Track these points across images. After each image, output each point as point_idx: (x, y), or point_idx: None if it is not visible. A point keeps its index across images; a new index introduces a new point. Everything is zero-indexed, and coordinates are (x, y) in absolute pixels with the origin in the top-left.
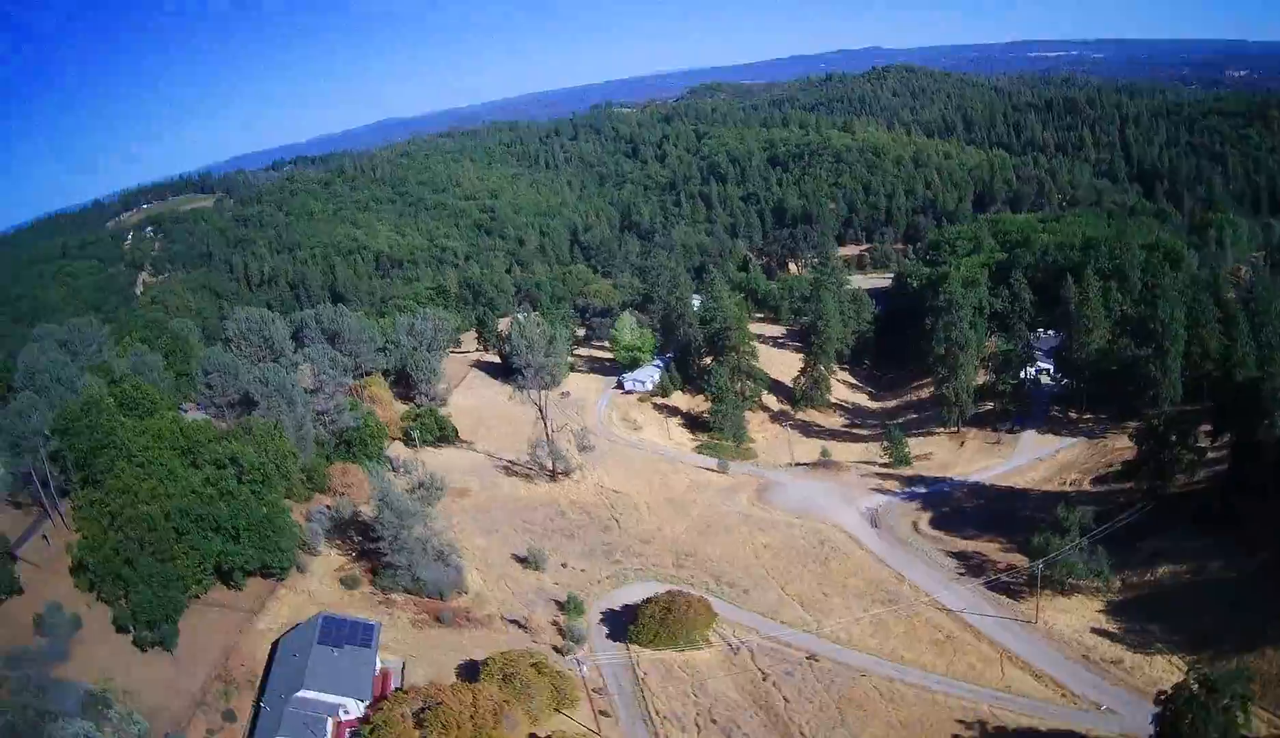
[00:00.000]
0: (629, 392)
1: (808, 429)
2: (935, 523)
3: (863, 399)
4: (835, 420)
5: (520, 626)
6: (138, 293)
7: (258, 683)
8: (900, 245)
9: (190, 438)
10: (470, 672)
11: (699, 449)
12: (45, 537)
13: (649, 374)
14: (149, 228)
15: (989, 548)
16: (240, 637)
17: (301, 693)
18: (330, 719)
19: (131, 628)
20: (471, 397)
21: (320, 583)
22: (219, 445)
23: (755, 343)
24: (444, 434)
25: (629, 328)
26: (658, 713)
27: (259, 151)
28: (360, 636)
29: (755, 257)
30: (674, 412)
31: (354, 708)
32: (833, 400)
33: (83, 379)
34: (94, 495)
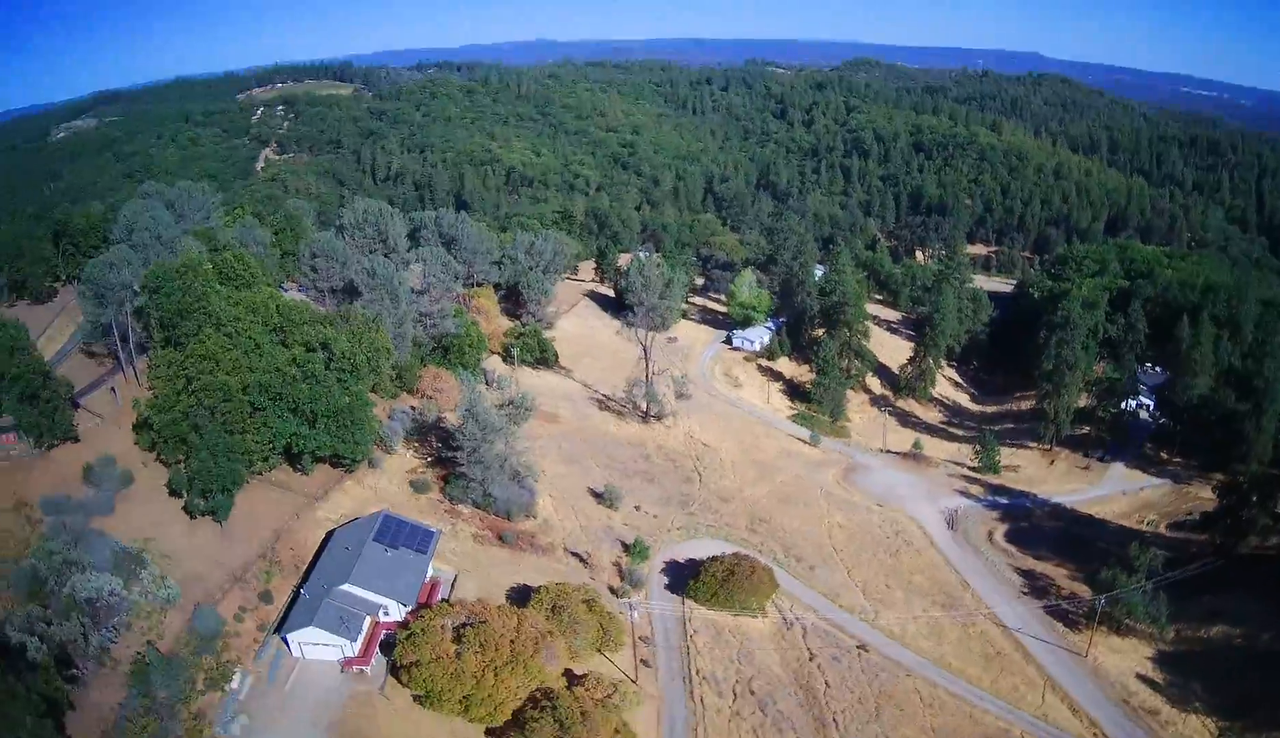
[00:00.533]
0: (736, 348)
1: (905, 418)
2: (1009, 536)
3: (964, 399)
4: (933, 415)
5: (581, 560)
6: (258, 168)
7: (303, 570)
8: (1028, 254)
9: (284, 317)
10: (521, 597)
11: (794, 418)
12: (114, 390)
13: (759, 334)
14: (280, 106)
15: (1056, 572)
16: (296, 522)
17: (345, 587)
18: (369, 618)
19: (184, 493)
20: (579, 325)
21: (390, 482)
22: (312, 328)
23: (869, 323)
24: (544, 357)
25: (748, 285)
26: (698, 673)
27: (405, 50)
28: (418, 540)
29: (884, 238)
30: (777, 376)
31: (395, 611)
32: (934, 395)
33: (183, 242)
34: (173, 356)
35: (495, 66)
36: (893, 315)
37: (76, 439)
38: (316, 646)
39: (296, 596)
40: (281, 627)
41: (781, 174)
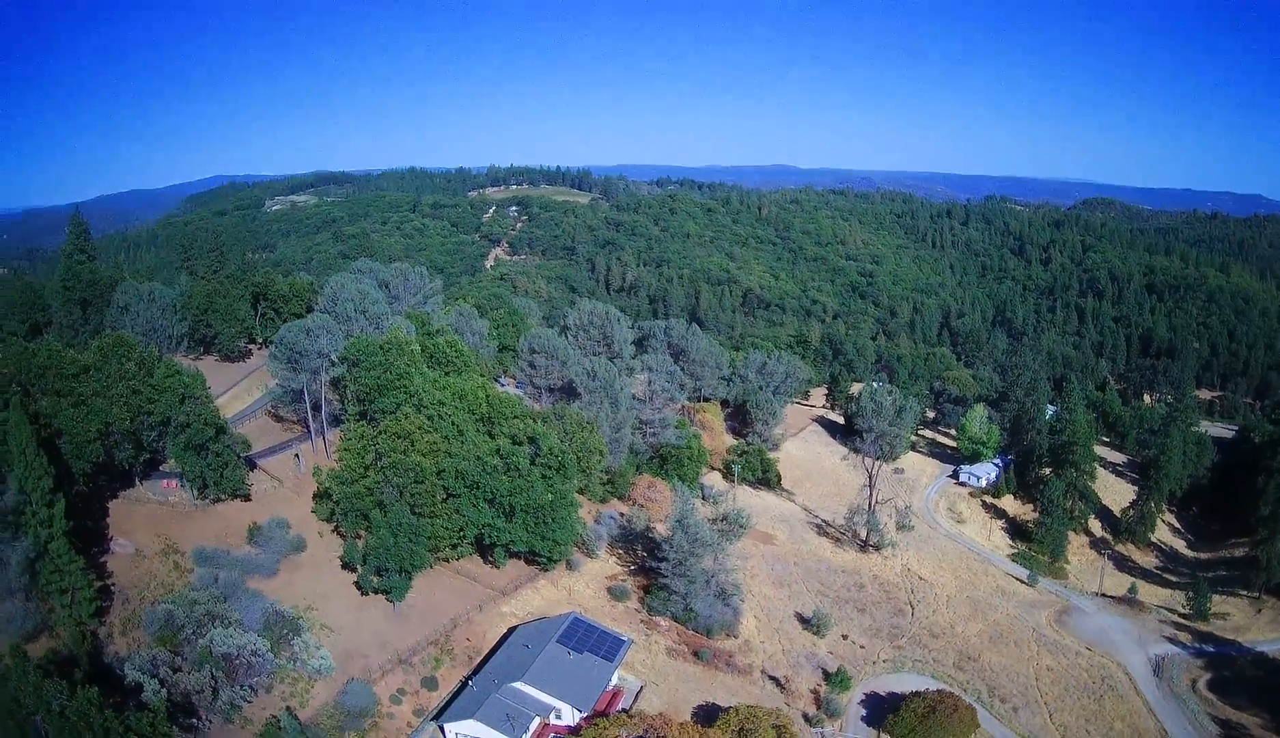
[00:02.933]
0: (963, 483)
1: (1122, 562)
2: (1211, 685)
3: (1180, 545)
4: (1149, 560)
5: (778, 684)
6: (487, 266)
7: (476, 662)
8: (1250, 399)
9: (493, 407)
10: (708, 716)
11: (1014, 556)
12: (298, 456)
13: (986, 471)
14: (514, 207)
15: (1251, 722)
16: (478, 614)
17: (518, 684)
18: (538, 719)
19: (358, 568)
20: (804, 449)
21: (586, 586)
22: (522, 422)
23: (1096, 465)
24: (766, 477)
25: (979, 420)
26: None
27: (644, 164)
28: (605, 647)
29: (1114, 380)
30: (1000, 514)
31: (569, 716)
32: (1152, 539)
33: (392, 320)
34: (365, 430)
35: (736, 188)
36: (1118, 457)
37: (247, 497)
38: None
39: (464, 686)
40: (441, 716)
41: (1017, 312)
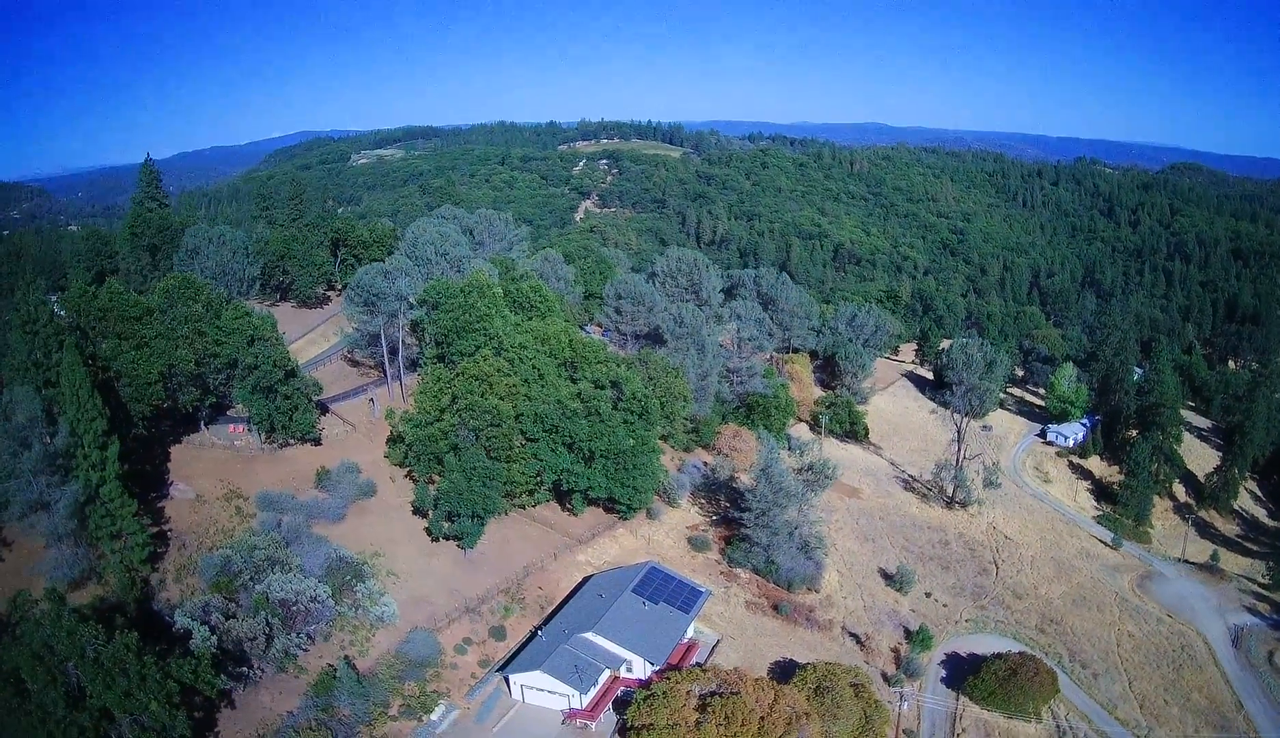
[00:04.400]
0: (1050, 443)
1: (1203, 528)
2: None
3: (1261, 514)
4: (1230, 527)
5: (859, 641)
6: (577, 219)
7: (548, 612)
8: None
9: (576, 352)
10: (785, 672)
11: (1098, 518)
12: (372, 400)
13: (1074, 431)
14: (604, 161)
15: None
16: (552, 562)
17: (589, 635)
18: (608, 671)
19: (429, 513)
20: (893, 403)
21: (666, 535)
22: (605, 367)
23: (1182, 429)
24: (854, 429)
25: (1068, 379)
26: None
27: (736, 120)
28: (682, 597)
29: (1200, 345)
30: (1086, 474)
31: (640, 668)
32: (1234, 507)
33: (475, 263)
34: (442, 372)
35: (828, 144)
36: (1203, 422)
37: (317, 442)
38: (541, 692)
39: (533, 636)
40: (506, 666)
41: (1105, 273)
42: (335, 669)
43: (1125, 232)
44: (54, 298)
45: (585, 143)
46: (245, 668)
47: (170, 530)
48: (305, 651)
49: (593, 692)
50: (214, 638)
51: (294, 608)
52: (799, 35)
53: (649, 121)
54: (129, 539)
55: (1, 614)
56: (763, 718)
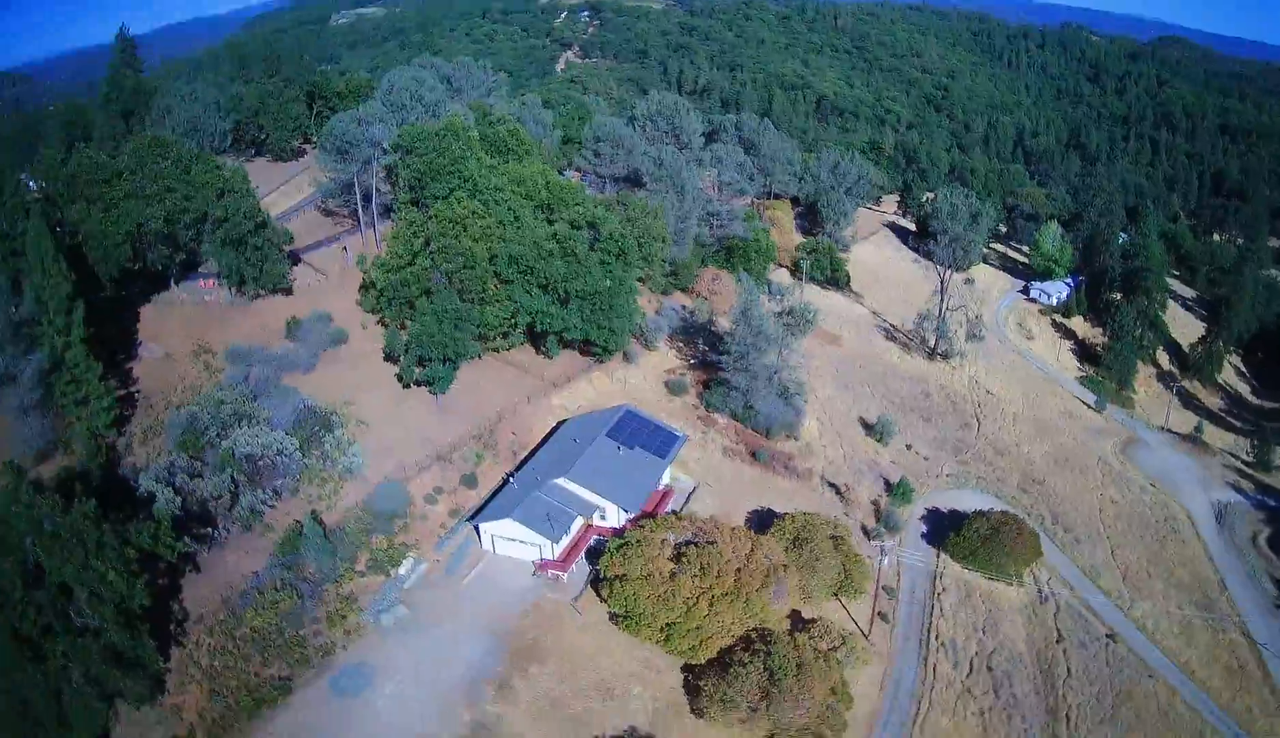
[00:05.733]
0: (1033, 300)
1: (1187, 399)
2: (1272, 541)
3: (1245, 390)
4: (1214, 400)
5: (838, 492)
6: (558, 70)
7: (521, 458)
8: None
9: (553, 194)
10: (763, 522)
11: (1081, 380)
12: (345, 249)
13: (1057, 289)
14: (585, 12)
15: None
16: (526, 406)
17: (561, 481)
18: (580, 519)
19: (400, 358)
20: (875, 253)
21: (643, 379)
22: (581, 207)
23: (1167, 296)
24: (835, 277)
25: (1053, 237)
26: (936, 637)
27: None
28: (658, 442)
29: (1185, 216)
30: (1069, 334)
31: (614, 517)
32: (1219, 380)
33: (451, 107)
34: (414, 215)
35: None
36: (1187, 292)
37: (289, 292)
38: (512, 542)
39: (505, 484)
40: (476, 516)
41: (1091, 137)
42: (302, 526)
43: (1111, 99)
44: (24, 173)
45: None
46: (210, 529)
47: (138, 392)
48: (273, 507)
49: (565, 541)
50: (178, 500)
51: (260, 463)
52: None
53: None
54: (94, 405)
55: None
56: (739, 569)
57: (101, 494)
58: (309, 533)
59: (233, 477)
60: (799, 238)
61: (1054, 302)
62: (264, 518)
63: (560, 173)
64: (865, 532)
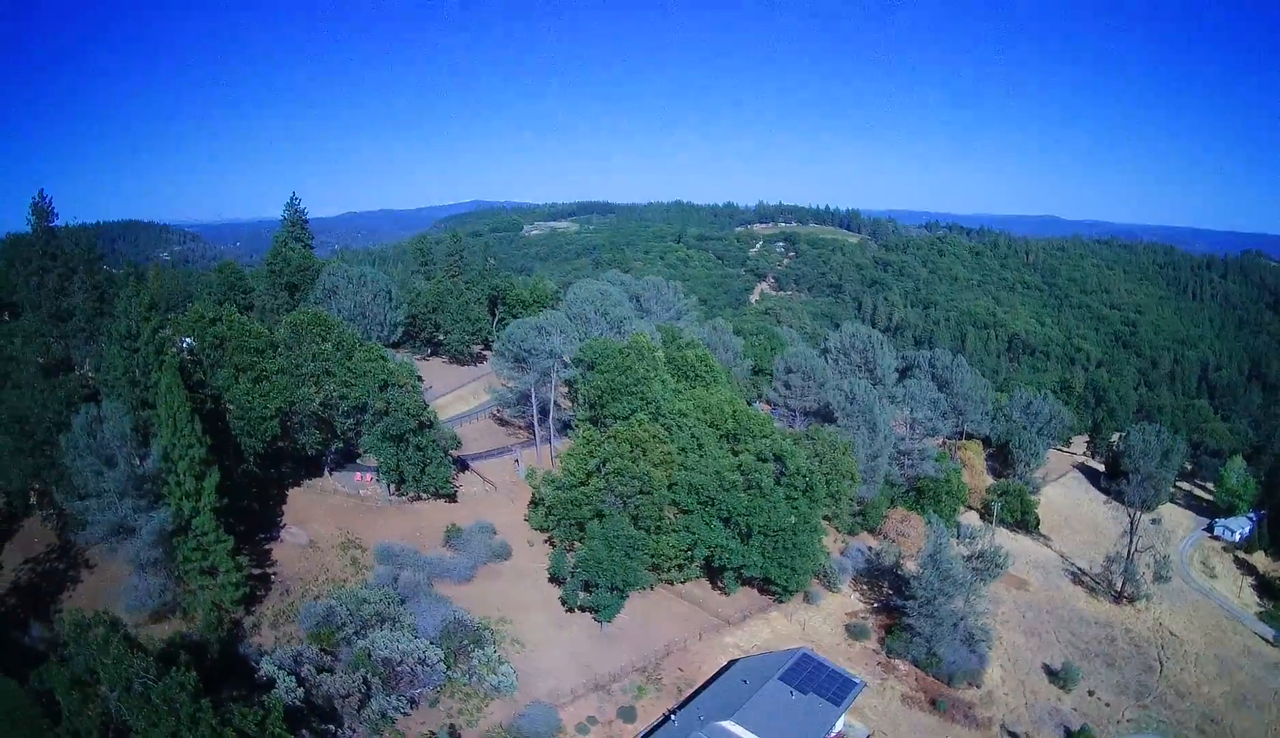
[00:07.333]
0: (1217, 537)
1: None
2: None
3: None
4: None
5: None
6: (752, 300)
7: (685, 695)
8: None
9: (741, 424)
10: None
11: (1260, 615)
12: (516, 460)
13: (1240, 525)
14: (781, 243)
15: None
16: (697, 642)
17: (726, 723)
18: None
19: (565, 580)
20: (1064, 494)
21: (824, 621)
22: (769, 440)
23: None
24: (1025, 519)
25: (1238, 472)
26: None
27: (914, 210)
28: (834, 689)
29: None
30: (1250, 570)
31: None
32: None
33: (637, 325)
34: (592, 434)
35: (1003, 233)
36: None
37: (452, 498)
38: None
39: (665, 720)
40: None
41: (1272, 367)
42: (435, 734)
43: None
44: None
45: (762, 225)
46: (334, 727)
47: (275, 574)
48: (406, 715)
49: None
50: (301, 691)
51: (399, 668)
52: (979, 127)
53: (826, 206)
54: (223, 578)
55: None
56: None
57: (217, 670)
58: None
59: (365, 677)
60: (989, 479)
61: (1237, 538)
62: (395, 725)
63: (749, 403)
64: None
